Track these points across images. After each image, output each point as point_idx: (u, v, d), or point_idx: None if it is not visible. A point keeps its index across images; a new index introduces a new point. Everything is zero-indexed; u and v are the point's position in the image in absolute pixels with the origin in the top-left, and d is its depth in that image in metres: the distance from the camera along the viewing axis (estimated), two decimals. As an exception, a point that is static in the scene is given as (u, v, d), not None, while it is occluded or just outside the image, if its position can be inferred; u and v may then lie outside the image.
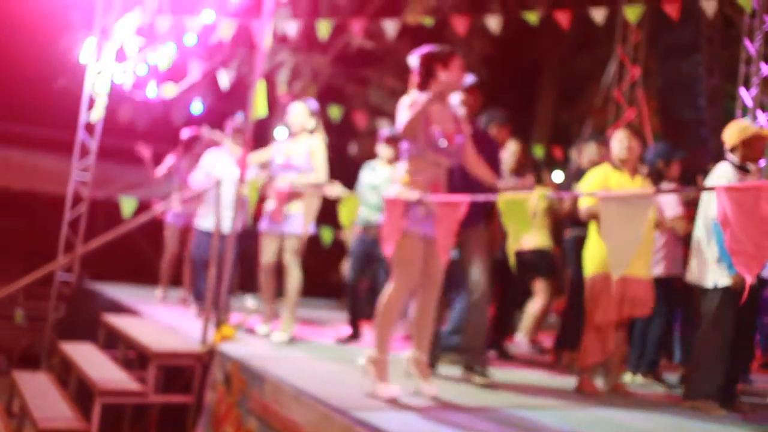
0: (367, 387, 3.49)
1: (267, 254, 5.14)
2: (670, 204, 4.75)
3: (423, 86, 3.58)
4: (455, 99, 4.00)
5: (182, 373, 4.60)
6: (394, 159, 5.35)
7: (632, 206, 3.00)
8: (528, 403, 3.75)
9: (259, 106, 4.92)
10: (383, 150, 5.52)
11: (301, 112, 5.26)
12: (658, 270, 4.81)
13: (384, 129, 5.90)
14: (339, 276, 8.46)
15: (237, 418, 3.91)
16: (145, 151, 7.21)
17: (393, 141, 5.41)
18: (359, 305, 5.52)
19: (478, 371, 4.04)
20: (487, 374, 4.04)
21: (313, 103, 5.33)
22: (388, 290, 3.49)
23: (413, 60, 3.63)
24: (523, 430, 3.09)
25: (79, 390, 5.03)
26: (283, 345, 4.91)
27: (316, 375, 3.92)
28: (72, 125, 8.32)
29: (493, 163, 4.14)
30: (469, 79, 4.11)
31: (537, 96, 12.33)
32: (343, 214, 4.34)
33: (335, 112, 9.06)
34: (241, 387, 3.97)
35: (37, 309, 8.91)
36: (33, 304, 9.10)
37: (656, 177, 4.88)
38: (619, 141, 4.22)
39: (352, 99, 10.44)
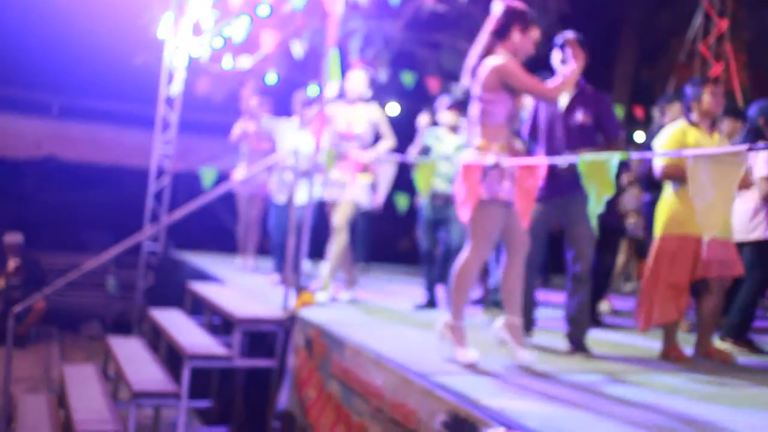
0: (444, 352, 3.49)
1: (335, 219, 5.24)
2: (761, 163, 4.52)
3: (496, 36, 3.51)
4: (557, 58, 3.94)
5: (265, 338, 4.73)
6: (457, 126, 5.27)
7: (724, 164, 2.86)
8: (609, 369, 3.68)
9: (333, 75, 4.93)
10: (446, 117, 5.43)
11: (360, 79, 5.26)
12: (757, 234, 4.60)
13: (445, 95, 5.75)
14: (412, 243, 8.47)
15: (319, 382, 4.00)
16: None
17: (456, 108, 5.34)
18: (434, 272, 5.50)
19: (583, 348, 3.96)
20: (589, 350, 3.96)
21: (371, 71, 5.33)
22: (463, 256, 3.47)
23: (497, 6, 3.54)
24: (604, 397, 3.04)
25: (169, 354, 5.25)
26: (356, 310, 4.98)
27: (394, 340, 3.96)
28: (153, 100, 8.58)
29: (608, 120, 4.05)
30: (570, 34, 4.01)
31: (617, 54, 11.90)
32: (419, 181, 4.32)
33: (408, 78, 8.99)
34: (322, 351, 4.05)
35: (127, 278, 9.33)
36: (123, 273, 9.53)
37: (754, 135, 4.63)
38: (705, 95, 4.01)
39: (425, 64, 10.33)
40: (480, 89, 3.48)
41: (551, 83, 3.51)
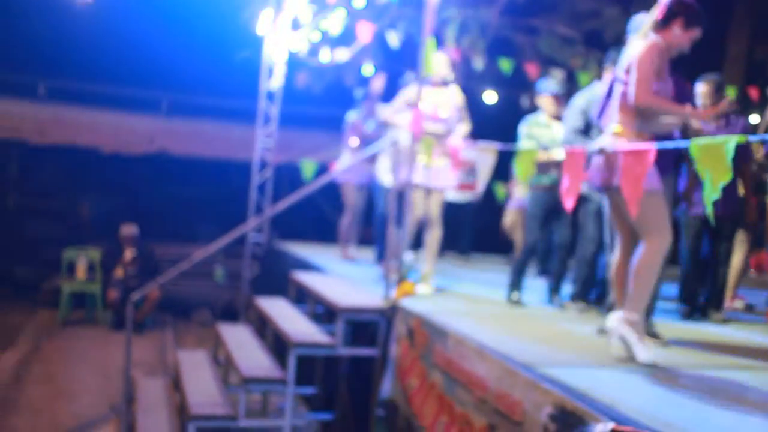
0: (616, 350, 3.38)
1: (419, 208, 5.22)
2: None
3: (658, 24, 3.38)
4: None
5: (367, 327, 4.80)
6: (558, 114, 5.14)
7: None
8: (725, 363, 3.53)
9: (429, 64, 4.93)
10: (549, 104, 5.28)
11: (443, 62, 5.23)
12: None
13: (549, 83, 5.57)
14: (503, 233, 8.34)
15: (421, 371, 4.03)
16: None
17: (557, 97, 5.21)
18: (524, 267, 5.31)
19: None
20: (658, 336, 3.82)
21: (453, 54, 5.27)
22: (643, 250, 3.35)
23: None
24: (720, 393, 2.92)
25: (275, 341, 5.42)
26: (456, 300, 4.97)
27: (495, 330, 3.94)
28: (254, 95, 8.84)
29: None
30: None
31: (728, 32, 11.28)
32: (520, 169, 4.25)
33: (505, 64, 8.86)
34: (424, 341, 4.07)
35: (233, 267, 9.69)
36: (230, 263, 9.90)
37: None
38: None
39: (522, 50, 10.14)
40: (623, 72, 3.37)
41: (665, 102, 3.32)
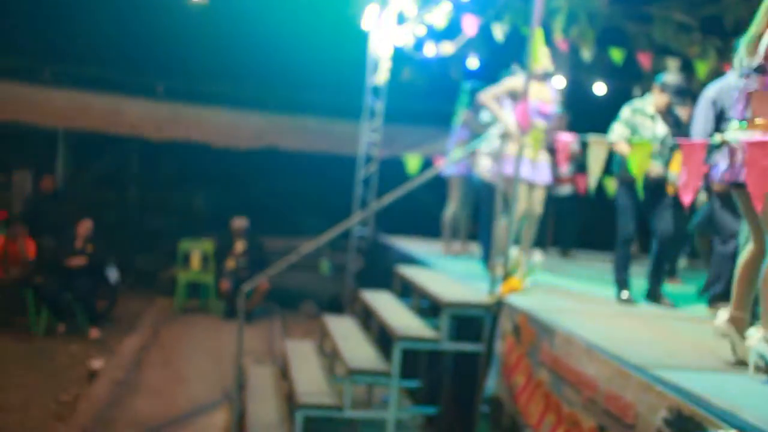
0: (728, 351, 3.24)
1: (522, 202, 5.12)
2: None
3: None
4: None
5: (472, 322, 4.77)
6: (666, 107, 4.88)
7: None
8: None
9: (537, 56, 4.83)
10: (659, 96, 5.00)
11: (545, 55, 5.10)
12: None
13: (668, 75, 5.28)
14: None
15: (527, 369, 3.97)
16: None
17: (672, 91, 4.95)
18: (628, 262, 5.08)
19: None
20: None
21: (561, 45, 5.13)
22: (751, 247, 3.21)
23: None
24: None
25: (379, 334, 5.48)
26: (563, 297, 4.86)
27: (604, 329, 3.82)
28: (360, 90, 8.96)
29: None
30: None
31: None
32: (634, 163, 4.09)
33: (616, 54, 8.56)
34: (530, 338, 4.01)
35: (338, 260, 9.87)
36: (335, 256, 10.09)
37: None
38: None
39: (635, 39, 9.76)
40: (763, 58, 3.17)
41: None
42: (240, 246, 9.46)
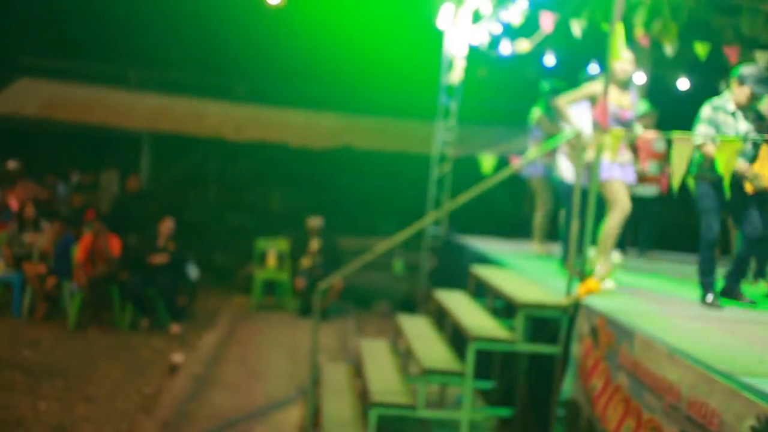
0: None
1: (628, 200, 4.98)
2: None
3: None
4: None
5: (548, 324, 4.69)
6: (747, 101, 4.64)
7: None
8: None
9: (617, 52, 4.70)
10: (740, 92, 4.75)
11: (629, 60, 4.94)
12: None
13: (744, 67, 5.02)
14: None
15: (605, 372, 3.87)
16: None
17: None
18: (713, 265, 4.86)
19: None
20: None
21: (642, 41, 4.95)
22: None
23: None
24: None
25: (453, 334, 5.45)
26: (643, 299, 4.71)
27: (686, 332, 3.68)
28: (434, 89, 8.94)
29: None
30: None
31: None
32: (721, 162, 3.91)
33: (701, 48, 8.23)
34: (609, 341, 3.90)
35: (412, 260, 9.87)
36: (409, 255, 10.10)
37: None
38: None
39: (720, 32, 9.37)
40: None
41: None
42: (315, 245, 9.59)
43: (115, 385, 6.13)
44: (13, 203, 9.35)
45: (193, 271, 8.91)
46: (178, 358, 6.88)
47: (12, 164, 11.44)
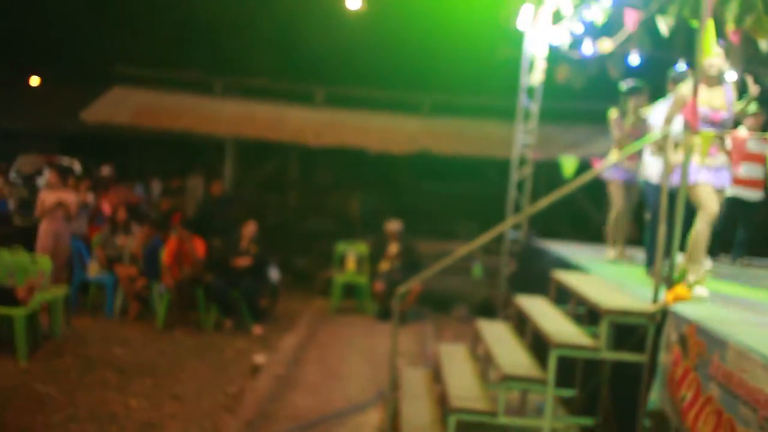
0: None
1: (715, 205, 4.77)
2: None
3: None
4: None
5: (633, 331, 4.54)
6: None
7: None
8: None
9: (708, 49, 4.51)
10: None
11: (721, 55, 4.71)
12: None
13: None
14: None
15: (696, 383, 3.71)
16: None
17: None
18: None
19: None
20: None
21: (733, 37, 4.70)
22: None
23: None
24: None
25: (534, 340, 5.35)
26: (735, 307, 4.50)
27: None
28: (513, 91, 8.82)
29: None
30: None
31: None
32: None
33: (798, 44, 7.81)
34: (699, 351, 3.74)
35: (491, 264, 9.77)
36: (488, 259, 10.00)
37: None
38: None
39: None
40: None
41: None
42: (394, 249, 9.62)
43: (201, 384, 6.31)
44: (106, 207, 9.79)
45: (274, 274, 9.09)
46: (260, 358, 7.03)
47: (105, 170, 11.99)
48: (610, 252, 6.87)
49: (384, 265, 9.55)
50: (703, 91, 4.86)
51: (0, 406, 5.02)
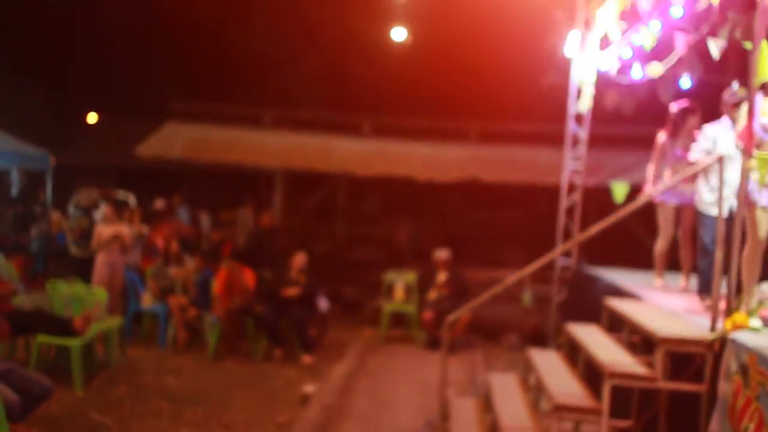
0: None
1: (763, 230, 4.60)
2: None
3: None
4: None
5: (691, 360, 4.40)
6: None
7: None
8: None
9: (764, 70, 4.40)
10: None
11: None
12: None
13: None
14: None
15: (759, 414, 3.57)
16: None
17: None
18: None
19: None
20: None
21: None
22: None
23: None
24: None
25: (586, 369, 5.23)
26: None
27: None
28: (561, 117, 8.75)
29: None
30: None
31: None
32: None
33: None
34: (761, 380, 3.60)
35: (541, 292, 9.62)
36: (538, 287, 9.86)
37: None
38: None
39: None
40: None
41: None
42: (442, 277, 9.57)
43: (251, 413, 6.34)
44: (159, 241, 10.01)
45: (323, 304, 9.13)
46: (309, 388, 7.03)
47: (159, 203, 12.28)
48: (657, 281, 6.64)
49: (432, 294, 9.50)
50: (764, 103, 4.72)
51: (57, 434, 5.13)
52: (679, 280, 6.65)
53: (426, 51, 13.53)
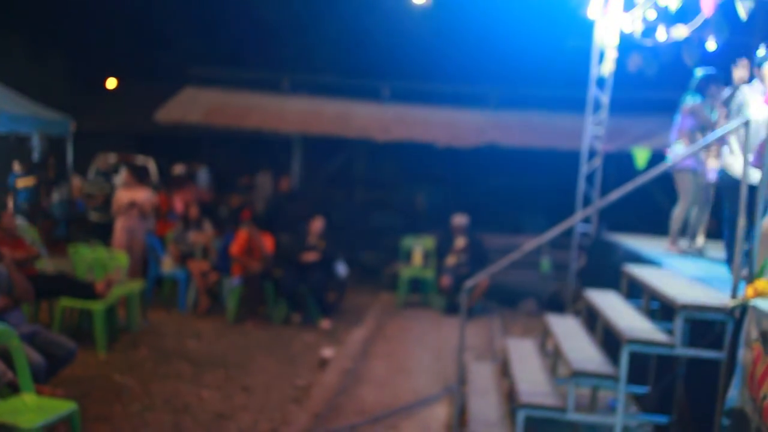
0: None
1: None
2: None
3: None
4: None
5: (709, 327, 4.38)
6: None
7: None
8: None
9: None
10: None
11: None
12: None
13: None
14: None
15: (778, 381, 3.54)
16: None
17: None
18: None
19: None
20: None
21: None
22: None
23: None
24: None
25: (605, 336, 5.22)
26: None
27: None
28: (583, 82, 8.61)
29: None
30: None
31: None
32: None
33: None
34: (782, 348, 3.57)
35: (559, 258, 9.59)
36: (556, 253, 9.83)
37: None
38: None
39: None
40: None
41: None
42: (460, 243, 9.56)
43: (270, 376, 6.42)
44: (179, 205, 10.06)
45: (342, 269, 9.17)
46: (328, 352, 7.09)
47: (178, 168, 12.33)
48: (670, 244, 6.56)
49: (451, 260, 9.50)
50: None
51: (81, 395, 5.22)
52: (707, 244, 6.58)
53: (445, 15, 13.33)
